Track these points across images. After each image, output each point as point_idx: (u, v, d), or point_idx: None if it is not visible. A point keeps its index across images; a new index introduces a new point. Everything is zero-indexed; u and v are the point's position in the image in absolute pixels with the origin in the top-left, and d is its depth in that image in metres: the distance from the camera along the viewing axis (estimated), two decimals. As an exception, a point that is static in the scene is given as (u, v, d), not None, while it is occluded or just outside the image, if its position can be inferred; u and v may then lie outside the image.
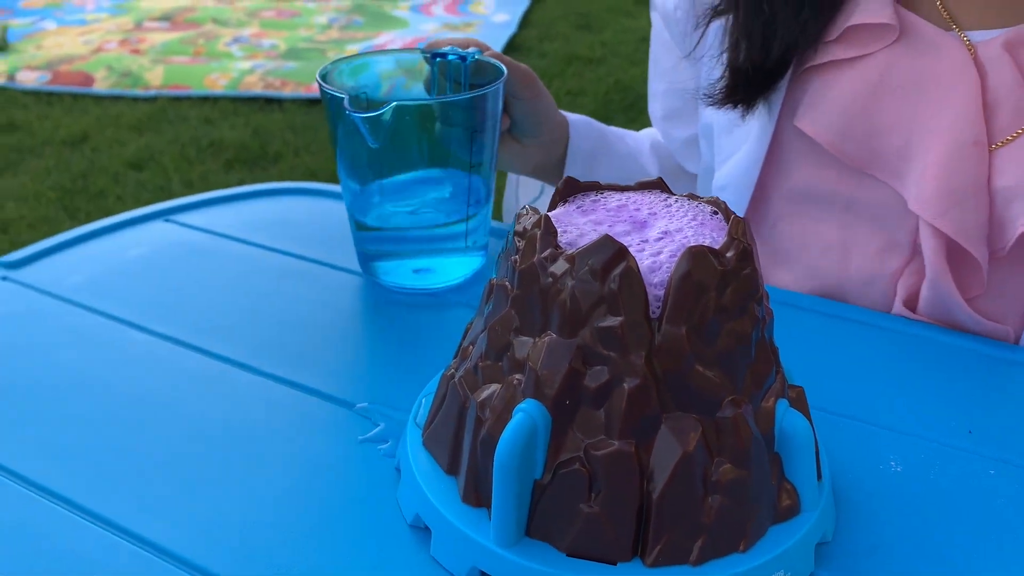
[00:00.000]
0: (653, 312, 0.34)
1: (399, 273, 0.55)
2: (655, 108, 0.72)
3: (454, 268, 0.56)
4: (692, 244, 0.34)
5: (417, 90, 0.58)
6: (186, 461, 0.41)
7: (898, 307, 0.55)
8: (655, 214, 0.39)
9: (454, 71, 0.56)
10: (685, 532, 0.34)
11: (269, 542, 0.37)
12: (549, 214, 0.39)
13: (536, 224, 0.37)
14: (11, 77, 2.89)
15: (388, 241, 0.55)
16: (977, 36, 0.54)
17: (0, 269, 0.58)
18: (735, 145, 0.61)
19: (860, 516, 0.39)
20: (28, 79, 2.88)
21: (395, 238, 0.55)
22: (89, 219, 1.98)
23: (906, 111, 0.54)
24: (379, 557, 0.37)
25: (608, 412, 0.34)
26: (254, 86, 2.82)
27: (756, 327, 0.35)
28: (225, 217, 0.65)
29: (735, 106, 0.58)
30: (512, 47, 3.30)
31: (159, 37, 3.39)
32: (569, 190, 0.41)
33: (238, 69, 2.96)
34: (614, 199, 0.41)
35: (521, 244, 0.37)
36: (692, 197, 0.40)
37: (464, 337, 0.41)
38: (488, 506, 0.36)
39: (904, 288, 0.55)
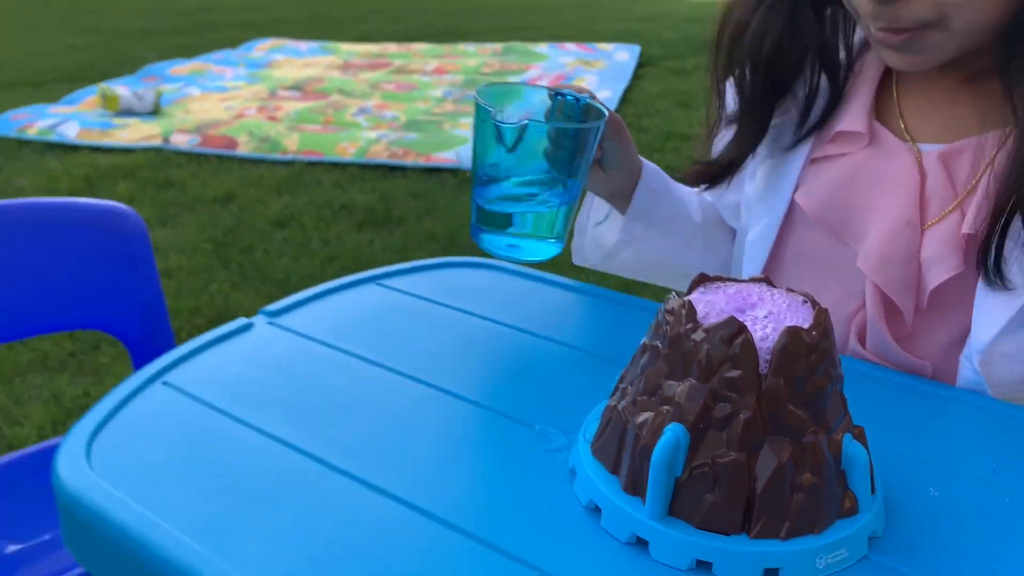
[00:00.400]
0: (762, 369, 0.52)
1: (497, 245, 0.75)
2: None
3: (537, 250, 0.75)
4: (789, 324, 0.52)
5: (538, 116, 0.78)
6: (426, 463, 0.60)
7: (852, 343, 0.74)
8: (763, 299, 0.57)
9: (569, 108, 0.76)
10: (777, 517, 0.51)
11: (492, 516, 0.55)
12: (690, 298, 0.57)
13: (682, 305, 0.55)
14: (166, 139, 3.27)
15: (496, 220, 0.74)
16: (924, 147, 0.73)
17: (265, 316, 0.80)
18: (763, 212, 0.81)
19: (905, 522, 0.55)
20: (180, 141, 3.26)
21: (501, 219, 0.74)
22: (242, 270, 2.26)
23: (868, 197, 0.74)
24: (565, 528, 0.54)
25: (728, 435, 0.52)
26: (379, 154, 3.11)
27: (831, 383, 0.52)
28: (422, 283, 0.85)
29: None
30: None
31: (292, 105, 3.75)
32: (700, 281, 0.59)
33: (365, 138, 3.28)
34: (732, 288, 0.58)
35: (671, 319, 0.55)
36: (789, 291, 0.58)
37: (621, 380, 0.59)
38: (643, 495, 0.54)
39: (855, 328, 0.74)
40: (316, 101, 3.81)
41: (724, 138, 0.84)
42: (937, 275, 0.70)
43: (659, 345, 0.56)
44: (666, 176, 0.89)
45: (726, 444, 0.51)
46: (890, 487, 0.58)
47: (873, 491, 0.55)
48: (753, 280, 0.59)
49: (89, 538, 0.57)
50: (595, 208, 0.92)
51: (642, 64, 4.67)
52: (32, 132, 3.33)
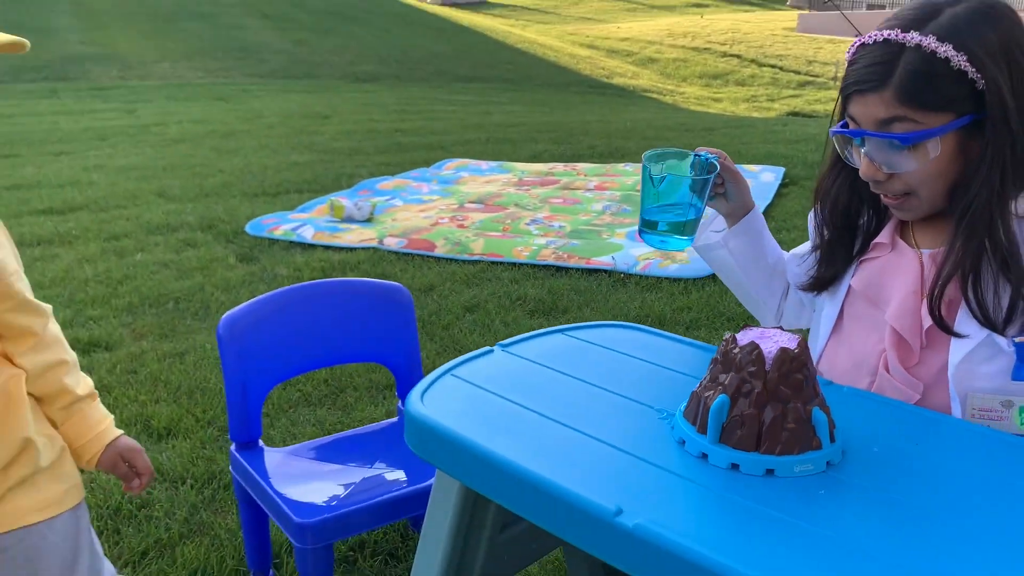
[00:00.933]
0: (768, 367, 1.03)
1: (652, 240, 1.28)
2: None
3: (676, 243, 1.27)
4: (783, 346, 1.03)
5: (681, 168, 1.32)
6: (609, 422, 1.14)
7: (880, 370, 1.19)
8: (772, 335, 1.08)
9: (702, 163, 1.28)
10: (774, 443, 1.01)
11: (639, 444, 1.08)
12: (734, 335, 1.09)
13: (731, 337, 1.07)
14: (380, 241, 4.05)
15: (652, 225, 1.28)
16: (924, 251, 1.20)
17: (500, 347, 1.37)
18: (833, 293, 1.30)
19: (856, 459, 1.03)
20: (391, 243, 4.02)
21: (655, 224, 1.28)
22: (443, 343, 2.89)
23: (892, 280, 1.21)
24: (668, 451, 1.06)
25: (749, 401, 1.02)
26: (548, 257, 3.74)
27: (805, 378, 1.03)
28: (593, 335, 1.40)
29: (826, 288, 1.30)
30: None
31: (477, 216, 4.48)
32: (743, 328, 1.11)
33: (536, 244, 3.92)
34: (758, 331, 1.10)
35: (724, 344, 1.07)
36: (784, 330, 1.09)
37: (700, 385, 1.11)
38: (705, 432, 1.05)
39: (881, 359, 1.19)
40: (496, 212, 4.52)
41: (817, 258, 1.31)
42: (928, 322, 1.17)
43: (718, 358, 1.08)
44: (764, 225, 1.41)
45: (748, 406, 1.02)
46: (849, 445, 1.06)
47: (832, 440, 1.03)
48: (770, 326, 1.11)
49: (423, 439, 1.15)
50: (716, 222, 1.44)
51: (785, 183, 5.13)
52: (278, 233, 4.20)
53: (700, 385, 1.11)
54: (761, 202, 4.62)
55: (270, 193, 5.26)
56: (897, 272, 1.22)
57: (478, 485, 1.09)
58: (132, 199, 5.02)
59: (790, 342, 1.05)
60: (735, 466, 1.02)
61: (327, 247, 4.02)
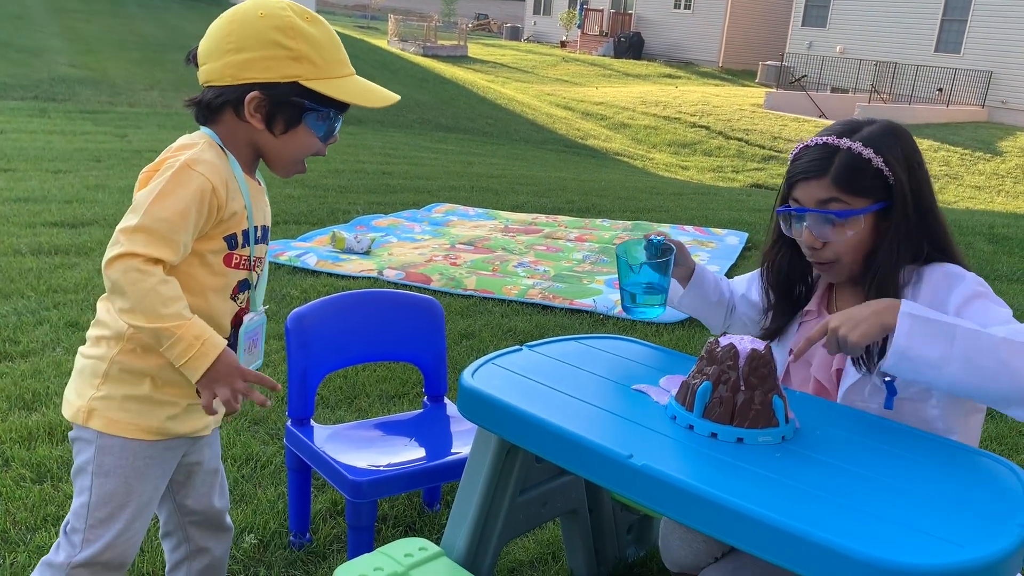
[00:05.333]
0: (741, 363, 1.39)
1: (635, 312, 1.66)
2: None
3: (654, 311, 1.66)
4: (752, 347, 1.40)
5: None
6: (618, 399, 1.49)
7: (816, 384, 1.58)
8: (745, 340, 1.45)
9: (655, 245, 1.66)
10: (743, 419, 1.37)
11: (641, 416, 1.44)
12: (718, 339, 1.46)
13: (715, 340, 1.44)
14: (380, 272, 4.38)
15: (634, 300, 1.65)
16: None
17: (526, 348, 1.72)
18: (784, 348, 1.68)
19: (804, 436, 1.40)
20: (390, 275, 4.35)
21: (634, 298, 1.65)
22: (451, 363, 3.22)
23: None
24: (662, 423, 1.42)
25: (726, 387, 1.39)
26: (535, 296, 4.10)
27: (768, 372, 1.39)
28: (599, 342, 1.76)
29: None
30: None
31: (468, 256, 4.84)
32: (723, 334, 1.48)
33: (524, 284, 4.29)
34: (736, 336, 1.47)
35: (709, 345, 1.44)
36: (758, 338, 1.46)
37: (689, 375, 1.47)
38: (693, 409, 1.41)
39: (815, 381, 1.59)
40: (486, 254, 4.88)
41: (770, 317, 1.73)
42: (821, 366, 1.58)
43: (704, 355, 1.45)
44: (705, 276, 1.80)
45: (725, 391, 1.39)
46: (804, 426, 1.43)
47: (787, 421, 1.40)
48: (742, 336, 1.48)
49: (474, 405, 1.49)
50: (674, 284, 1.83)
51: (748, 247, 5.59)
52: (283, 258, 4.51)
53: (690, 375, 1.47)
54: (724, 263, 5.06)
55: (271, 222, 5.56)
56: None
57: (520, 438, 1.44)
58: (138, 218, 5.28)
59: (759, 345, 1.43)
60: (714, 435, 1.37)
61: (330, 274, 4.33)
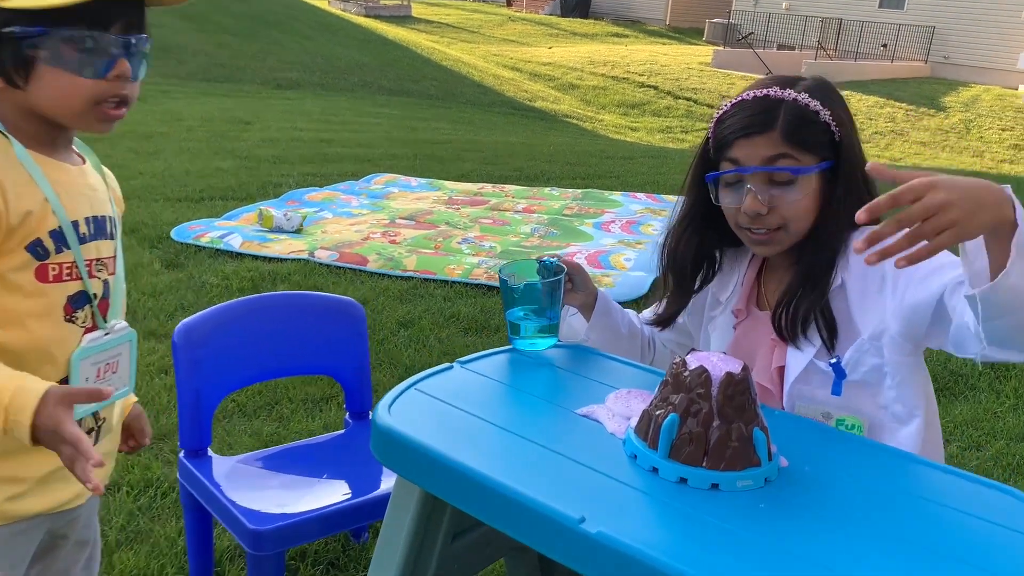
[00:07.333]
0: (714, 390, 1.13)
1: (523, 344, 1.42)
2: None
3: (544, 343, 1.42)
4: (727, 371, 1.14)
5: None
6: (562, 431, 1.23)
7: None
8: (717, 360, 1.19)
9: (548, 268, 1.41)
10: (719, 460, 1.11)
11: (590, 457, 1.17)
12: (684, 358, 1.20)
13: (681, 361, 1.18)
14: (311, 253, 4.05)
15: (520, 331, 1.40)
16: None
17: (459, 364, 1.45)
18: (719, 344, 1.46)
19: (788, 477, 1.15)
20: (323, 256, 4.03)
21: (522, 330, 1.40)
22: (377, 357, 2.93)
23: (751, 344, 1.37)
24: (620, 465, 1.16)
25: (696, 420, 1.13)
26: (480, 276, 3.82)
27: (748, 399, 1.14)
28: (536, 355, 1.49)
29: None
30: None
31: (409, 232, 4.53)
32: (690, 352, 1.22)
33: (468, 263, 4.00)
34: (704, 355, 1.21)
35: (675, 368, 1.18)
36: (726, 355, 1.20)
37: (651, 404, 1.21)
38: (657, 447, 1.15)
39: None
40: (428, 230, 4.58)
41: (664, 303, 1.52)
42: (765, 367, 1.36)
43: (669, 380, 1.18)
44: (611, 305, 1.57)
45: (696, 424, 1.13)
46: (787, 457, 1.18)
47: (770, 458, 1.15)
48: (709, 353, 1.22)
49: (389, 448, 1.21)
50: (570, 311, 1.59)
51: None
52: (205, 240, 4.15)
53: (651, 404, 1.21)
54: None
55: (193, 199, 5.17)
56: (754, 334, 1.41)
57: (446, 493, 1.16)
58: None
59: (734, 367, 1.16)
60: (683, 480, 1.12)
61: (256, 256, 3.99)
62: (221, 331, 1.66)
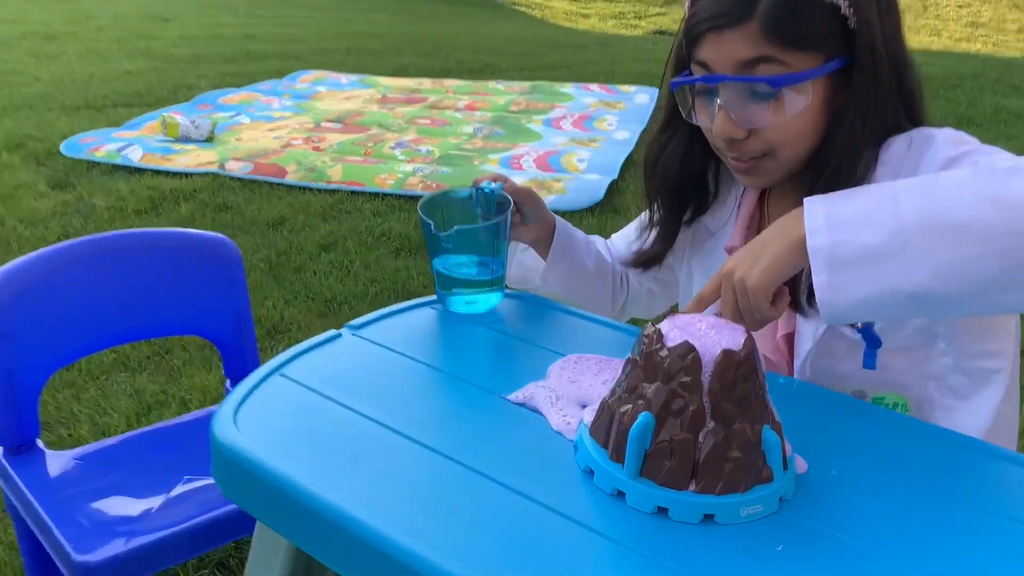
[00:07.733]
0: (706, 376, 0.76)
1: (458, 304, 1.04)
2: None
3: (487, 301, 1.05)
4: (725, 343, 0.76)
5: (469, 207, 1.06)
6: (469, 431, 0.85)
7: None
8: (707, 327, 0.81)
9: (487, 199, 1.04)
10: (714, 479, 0.75)
11: (518, 473, 0.80)
12: (659, 327, 0.81)
13: (655, 332, 0.79)
14: (221, 165, 3.57)
15: (453, 288, 1.04)
16: None
17: (350, 329, 1.05)
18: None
19: (809, 491, 0.79)
20: (235, 168, 3.55)
21: (456, 286, 1.03)
22: (293, 288, 2.53)
23: None
24: (569, 484, 0.79)
25: (681, 421, 0.76)
26: (415, 186, 3.39)
27: (754, 389, 0.77)
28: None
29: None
30: (631, 161, 3.78)
31: (335, 137, 4.04)
32: (669, 313, 0.84)
33: (402, 171, 3.55)
34: (688, 320, 0.83)
35: (646, 340, 0.80)
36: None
37: (612, 392, 0.84)
38: (623, 461, 0.78)
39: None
40: (357, 134, 4.10)
41: (651, 236, 1.14)
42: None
43: (638, 359, 0.80)
44: (572, 234, 1.19)
45: (680, 427, 0.76)
46: (809, 465, 0.82)
47: (785, 468, 0.79)
48: (699, 317, 0.84)
49: (234, 478, 0.83)
50: (520, 247, 1.21)
51: (661, 105, 4.94)
52: (100, 154, 3.63)
53: (612, 393, 0.83)
54: (636, 127, 4.42)
55: (95, 107, 4.59)
56: None
57: (309, 545, 0.79)
58: (-80, 110, 4.26)
59: (733, 339, 0.79)
60: (663, 510, 0.76)
61: (158, 171, 3.49)
62: (41, 287, 1.24)
